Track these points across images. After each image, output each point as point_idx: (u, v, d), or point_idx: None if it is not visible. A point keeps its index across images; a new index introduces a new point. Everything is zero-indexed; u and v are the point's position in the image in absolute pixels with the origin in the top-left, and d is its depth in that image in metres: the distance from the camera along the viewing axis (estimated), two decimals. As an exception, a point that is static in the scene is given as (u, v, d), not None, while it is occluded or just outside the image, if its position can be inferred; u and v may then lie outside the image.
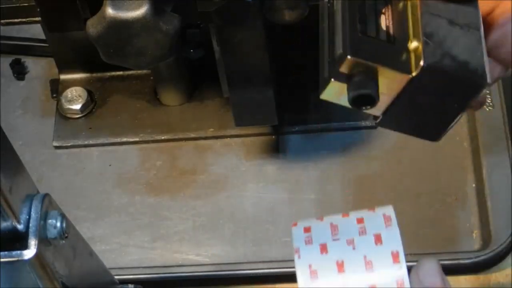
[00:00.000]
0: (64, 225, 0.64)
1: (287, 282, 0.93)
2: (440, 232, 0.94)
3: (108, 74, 1.09)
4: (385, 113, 0.62)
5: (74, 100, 1.06)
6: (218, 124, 1.03)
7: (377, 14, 0.61)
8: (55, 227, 0.63)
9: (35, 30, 1.09)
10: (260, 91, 0.90)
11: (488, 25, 0.68)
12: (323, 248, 0.63)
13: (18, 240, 0.62)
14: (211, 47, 0.91)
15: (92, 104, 1.07)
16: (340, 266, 0.62)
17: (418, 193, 0.97)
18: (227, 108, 1.02)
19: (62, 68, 1.08)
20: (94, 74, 1.09)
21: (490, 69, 0.68)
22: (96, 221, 0.99)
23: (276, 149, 1.02)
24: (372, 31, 0.60)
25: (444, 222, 0.95)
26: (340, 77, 0.59)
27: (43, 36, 1.07)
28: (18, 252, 0.61)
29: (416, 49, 0.60)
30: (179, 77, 1.03)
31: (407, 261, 0.94)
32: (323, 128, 1.02)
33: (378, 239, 0.63)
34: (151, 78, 1.06)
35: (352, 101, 0.58)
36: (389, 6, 0.62)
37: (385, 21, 0.61)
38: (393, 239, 0.63)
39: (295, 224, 0.65)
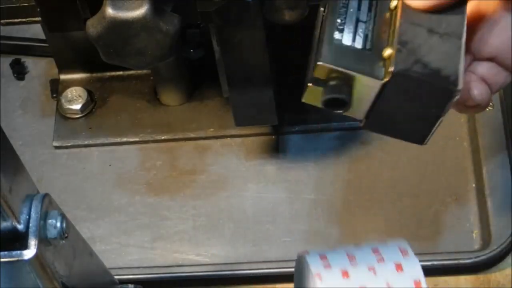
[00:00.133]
0: (64, 225, 0.64)
1: (287, 282, 0.93)
2: (440, 232, 0.94)
3: (108, 74, 1.09)
4: (367, 117, 0.65)
5: (74, 100, 1.06)
6: (218, 124, 1.03)
7: (358, 24, 0.64)
8: (55, 227, 0.63)
9: (35, 30, 1.09)
10: (260, 91, 0.90)
11: (489, 29, 0.68)
12: (345, 273, 0.64)
13: (18, 240, 0.62)
14: (211, 47, 0.91)
15: (92, 104, 1.07)
16: None
17: (418, 193, 0.97)
18: (227, 108, 1.02)
19: (62, 68, 1.08)
20: (94, 74, 1.09)
21: (496, 75, 0.69)
22: (96, 221, 0.99)
23: (276, 149, 1.02)
24: (349, 40, 0.63)
25: (444, 222, 0.95)
26: (317, 82, 0.63)
27: (43, 36, 1.07)
28: (18, 252, 0.61)
29: (389, 56, 0.63)
30: (179, 77, 1.03)
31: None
32: (323, 128, 1.02)
33: (398, 267, 0.64)
34: (151, 78, 1.06)
35: (324, 103, 0.63)
36: (374, 16, 0.65)
37: (365, 30, 0.64)
38: (414, 268, 0.64)
39: (306, 252, 0.66)
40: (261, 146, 1.02)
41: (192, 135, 1.03)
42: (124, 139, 1.04)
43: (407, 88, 0.62)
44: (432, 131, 0.65)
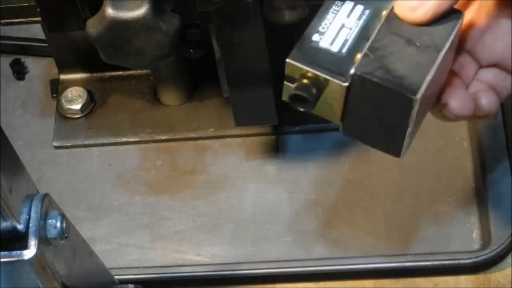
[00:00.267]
0: (64, 225, 0.64)
1: (287, 282, 0.93)
2: (440, 232, 0.94)
3: (108, 74, 1.09)
4: (342, 120, 0.66)
5: (74, 100, 1.06)
6: (218, 124, 1.03)
7: (342, 29, 0.65)
8: (55, 227, 0.63)
9: (35, 30, 1.09)
10: (260, 91, 0.90)
11: (491, 34, 0.68)
12: None
13: (18, 240, 0.61)
14: (211, 47, 0.91)
15: (92, 104, 1.07)
16: None
17: (418, 193, 0.97)
18: (227, 108, 1.02)
19: (62, 68, 1.08)
20: (94, 74, 1.09)
21: (503, 81, 0.68)
22: (96, 221, 0.99)
23: (276, 149, 1.02)
24: (326, 43, 0.64)
25: (444, 222, 0.95)
26: (290, 80, 0.64)
27: (43, 36, 1.07)
28: (18, 252, 0.61)
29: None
30: (179, 77, 1.03)
31: (406, 262, 0.94)
32: (323, 128, 1.02)
33: None
34: (151, 78, 1.06)
35: (289, 98, 0.64)
36: (362, 24, 0.65)
37: (347, 35, 0.64)
38: None
39: None
40: (261, 146, 1.02)
41: (192, 135, 1.03)
42: (124, 139, 1.04)
43: (369, 93, 0.63)
44: (405, 142, 0.65)
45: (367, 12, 0.66)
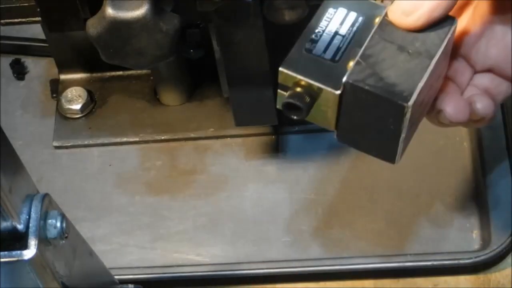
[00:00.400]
0: (64, 225, 0.64)
1: (287, 282, 0.93)
2: (440, 232, 0.94)
3: (108, 74, 1.09)
4: (336, 127, 0.66)
5: (74, 100, 1.06)
6: (218, 124, 1.03)
7: (335, 36, 0.65)
8: (55, 227, 0.63)
9: (35, 30, 1.09)
10: (260, 91, 0.90)
11: (485, 40, 0.68)
12: None
13: (18, 240, 0.61)
14: (211, 47, 0.91)
15: (92, 104, 1.07)
16: None
17: (418, 193, 0.97)
18: (227, 108, 1.02)
19: (62, 68, 1.08)
20: (94, 74, 1.09)
21: (498, 86, 0.68)
22: (96, 221, 0.99)
23: (276, 149, 1.02)
24: (319, 50, 0.64)
25: (444, 222, 0.95)
26: (283, 88, 0.64)
27: (43, 36, 1.07)
28: (18, 252, 0.61)
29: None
30: (179, 77, 1.03)
31: (406, 262, 0.94)
32: (323, 128, 1.01)
33: None
34: (151, 78, 1.06)
35: (282, 107, 0.64)
36: (356, 31, 0.65)
37: (340, 43, 0.64)
38: None
39: None
40: (261, 146, 1.02)
41: (192, 135, 1.03)
42: (124, 139, 1.04)
43: (361, 100, 0.63)
44: (399, 148, 0.65)
45: (360, 19, 0.66)
